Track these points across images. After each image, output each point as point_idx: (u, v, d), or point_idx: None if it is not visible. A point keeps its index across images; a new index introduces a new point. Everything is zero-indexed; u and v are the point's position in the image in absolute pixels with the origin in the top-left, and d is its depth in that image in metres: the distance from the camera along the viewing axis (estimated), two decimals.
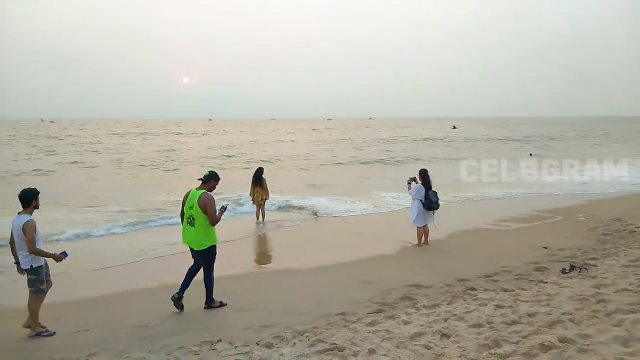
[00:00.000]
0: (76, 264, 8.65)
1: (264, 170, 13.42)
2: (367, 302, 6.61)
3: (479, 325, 5.37)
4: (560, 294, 6.35)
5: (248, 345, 5.22)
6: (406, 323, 5.62)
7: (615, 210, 13.25)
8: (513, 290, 6.71)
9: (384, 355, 4.75)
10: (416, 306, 6.25)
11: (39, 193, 6.01)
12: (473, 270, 8.01)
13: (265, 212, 13.12)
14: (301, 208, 14.62)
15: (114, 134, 66.43)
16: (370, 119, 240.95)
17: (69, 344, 5.63)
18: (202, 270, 6.72)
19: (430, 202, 9.84)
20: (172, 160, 31.82)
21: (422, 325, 5.48)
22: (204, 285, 6.68)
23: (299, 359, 4.81)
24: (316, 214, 13.91)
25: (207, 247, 6.58)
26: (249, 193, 13.24)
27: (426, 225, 10.07)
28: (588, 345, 4.60)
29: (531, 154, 34.19)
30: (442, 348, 4.86)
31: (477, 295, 6.55)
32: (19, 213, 5.89)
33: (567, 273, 7.45)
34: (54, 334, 5.92)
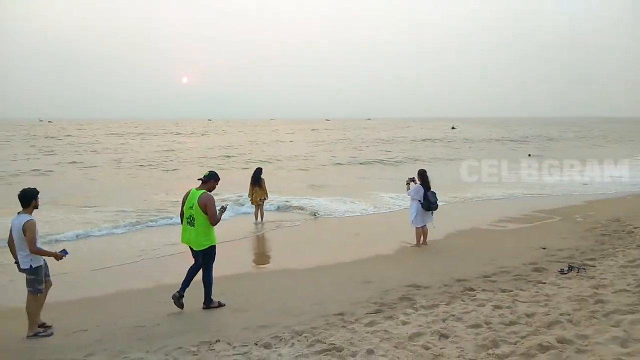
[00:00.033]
0: (75, 264, 8.64)
1: (263, 170, 13.43)
2: (366, 302, 6.61)
3: (477, 326, 5.37)
4: (558, 294, 6.36)
5: (246, 346, 5.21)
6: (404, 323, 5.62)
7: (613, 211, 13.27)
8: (511, 291, 6.72)
9: (382, 356, 4.75)
10: (414, 306, 6.26)
11: (38, 193, 6.01)
12: (471, 271, 8.02)
13: (264, 212, 13.12)
14: (300, 208, 14.62)
15: (112, 134, 66.37)
16: (369, 119, 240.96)
17: (66, 344, 5.63)
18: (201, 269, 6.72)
19: (428, 202, 9.85)
20: (171, 160, 31.81)
21: (420, 326, 5.47)
22: (202, 285, 6.69)
23: (297, 359, 4.81)
24: (315, 214, 13.91)
25: (206, 246, 6.59)
26: (247, 193, 13.25)
27: (425, 225, 10.08)
28: (586, 345, 4.60)
29: (529, 154, 34.24)
30: (440, 348, 4.86)
31: (475, 296, 6.56)
32: (19, 213, 5.89)
33: (565, 273, 7.46)
34: (51, 334, 5.92)
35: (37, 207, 6.01)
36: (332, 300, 6.76)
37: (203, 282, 6.68)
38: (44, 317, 6.07)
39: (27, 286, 5.89)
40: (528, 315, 5.58)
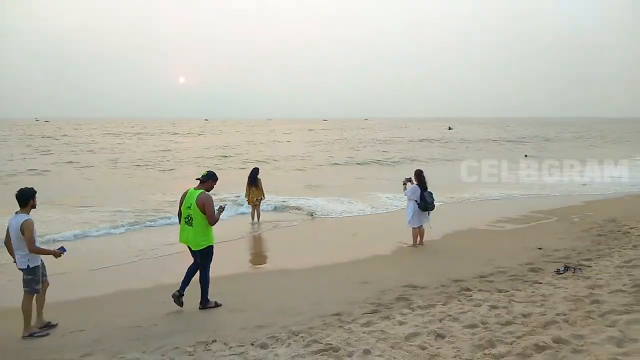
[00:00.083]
0: (73, 264, 8.64)
1: (259, 171, 13.41)
2: (362, 303, 6.61)
3: (473, 326, 5.38)
4: (554, 294, 6.38)
5: (243, 346, 5.21)
6: (401, 323, 5.63)
7: (610, 211, 13.31)
8: (507, 291, 6.74)
9: (379, 356, 4.75)
10: (411, 306, 6.26)
11: (35, 192, 6.00)
12: (468, 271, 8.03)
13: (261, 212, 13.12)
14: (297, 208, 14.61)
15: (109, 134, 66.21)
16: (366, 119, 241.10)
17: (63, 344, 5.62)
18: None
19: (425, 203, 9.86)
20: (168, 160, 31.74)
21: (416, 326, 5.48)
22: (199, 285, 6.68)
23: (294, 359, 4.81)
24: (312, 215, 13.91)
25: (204, 246, 6.59)
26: (244, 193, 13.25)
27: (421, 225, 10.09)
28: (582, 345, 4.62)
29: (526, 155, 34.32)
30: (437, 348, 4.87)
31: (471, 296, 6.57)
32: (16, 212, 5.89)
33: (562, 273, 7.49)
34: (48, 334, 5.91)
35: (34, 207, 6.01)
36: (329, 301, 6.77)
37: (200, 282, 6.68)
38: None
39: (24, 286, 5.89)
40: (524, 316, 5.59)
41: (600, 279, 6.94)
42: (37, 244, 5.92)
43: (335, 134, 70.09)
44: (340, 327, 5.66)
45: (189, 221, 6.53)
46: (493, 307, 5.96)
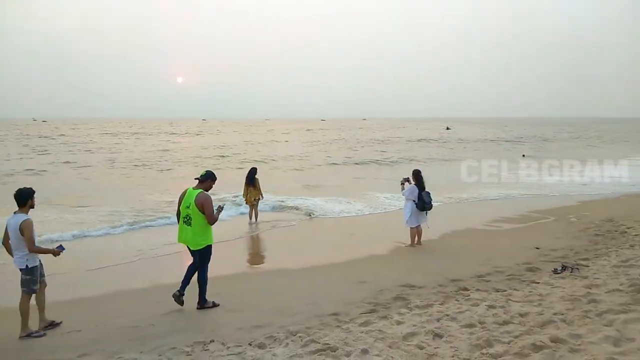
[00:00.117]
0: (71, 264, 8.62)
1: (257, 170, 13.40)
2: (360, 302, 6.61)
3: (471, 325, 5.39)
4: (551, 294, 6.39)
5: (240, 346, 5.21)
6: (399, 323, 5.63)
7: (607, 211, 13.35)
8: (505, 290, 6.75)
9: (377, 355, 4.75)
10: (409, 306, 6.27)
11: (34, 192, 6.00)
12: (465, 270, 8.04)
13: (259, 212, 13.11)
14: (295, 208, 14.61)
15: (106, 134, 66.10)
16: (364, 119, 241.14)
17: (60, 344, 5.61)
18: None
19: (423, 203, 9.87)
20: (166, 160, 31.70)
21: (414, 325, 5.49)
22: (196, 284, 6.67)
23: (292, 359, 4.80)
24: (310, 214, 13.90)
25: (203, 246, 6.58)
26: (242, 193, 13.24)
27: (419, 225, 10.10)
28: (579, 344, 4.63)
29: (524, 155, 34.40)
30: (435, 348, 4.87)
31: (469, 295, 6.58)
32: (15, 212, 5.88)
33: (559, 273, 7.50)
34: (45, 334, 5.90)
35: (33, 207, 6.00)
36: (326, 300, 6.77)
37: (198, 282, 6.68)
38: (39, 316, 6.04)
39: (22, 286, 5.88)
40: (522, 315, 5.60)
41: (598, 278, 6.95)
42: (37, 244, 5.92)
43: (333, 134, 70.12)
44: (338, 326, 5.67)
45: (187, 221, 6.52)
46: (490, 306, 5.97)
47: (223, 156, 34.75)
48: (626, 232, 10.53)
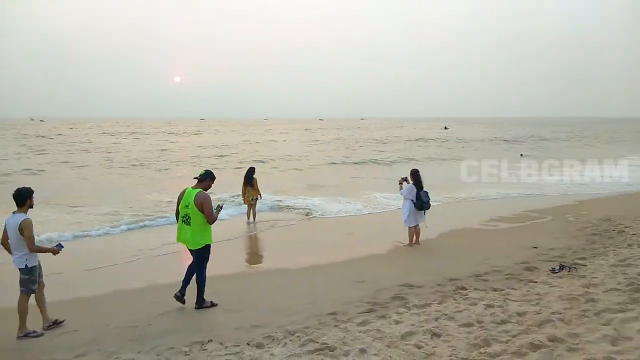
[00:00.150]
0: (70, 264, 8.61)
1: (255, 170, 13.39)
2: (358, 302, 6.62)
3: (469, 325, 5.40)
4: (549, 293, 6.40)
5: (238, 345, 5.20)
6: (397, 322, 5.64)
7: (605, 210, 13.38)
8: (503, 290, 6.76)
9: (375, 355, 4.76)
10: (407, 305, 6.28)
11: (33, 192, 6.00)
12: (463, 270, 8.05)
13: (257, 212, 13.09)
14: (294, 208, 14.62)
15: (104, 133, 66.00)
16: (362, 119, 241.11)
17: (57, 344, 5.60)
18: None
19: (421, 202, 9.87)
20: (164, 160, 31.67)
21: (412, 325, 5.49)
22: (195, 284, 6.67)
23: (290, 359, 4.80)
24: (309, 214, 13.90)
25: (202, 245, 6.58)
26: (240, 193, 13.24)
27: (417, 224, 10.10)
28: (577, 344, 4.64)
29: (522, 154, 34.45)
30: (433, 347, 4.88)
31: (467, 295, 6.59)
32: (14, 212, 5.87)
33: (557, 272, 7.51)
34: (42, 334, 5.88)
35: (32, 207, 6.00)
36: (325, 300, 6.77)
37: (196, 281, 6.67)
38: (37, 316, 6.03)
39: (21, 286, 5.87)
40: (519, 314, 5.61)
41: (595, 277, 6.97)
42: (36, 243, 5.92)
43: (331, 134, 70.11)
44: (336, 326, 5.67)
45: (186, 220, 6.51)
46: (488, 306, 5.98)
47: (221, 156, 34.73)
48: (624, 231, 10.56)
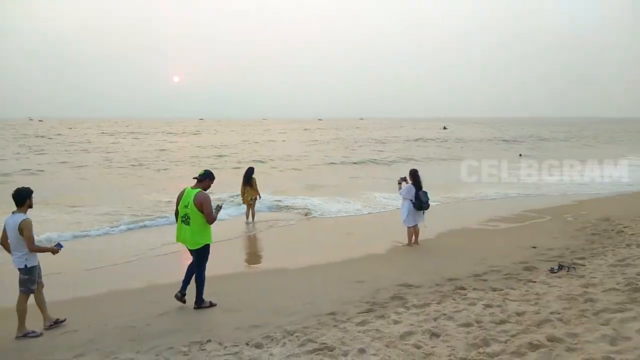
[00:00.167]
0: (69, 264, 8.60)
1: (255, 170, 13.39)
2: (357, 302, 6.62)
3: (468, 324, 5.40)
4: (548, 293, 6.40)
5: (237, 345, 5.20)
6: (396, 322, 5.64)
7: (603, 210, 13.39)
8: (502, 290, 6.76)
9: (374, 355, 4.76)
10: (406, 305, 6.28)
11: (32, 192, 6.00)
12: (462, 270, 8.06)
13: (256, 212, 13.10)
14: (293, 208, 14.62)
15: (103, 133, 65.96)
16: (361, 119, 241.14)
17: (56, 344, 5.59)
18: None
19: (420, 202, 9.88)
20: (163, 160, 31.65)
21: (411, 325, 5.49)
22: (194, 284, 6.67)
23: (289, 359, 4.80)
24: (308, 214, 13.90)
25: (202, 245, 6.58)
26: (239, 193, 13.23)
27: (416, 224, 10.11)
28: (576, 343, 4.64)
29: (520, 154, 34.48)
30: (432, 347, 4.88)
31: (466, 295, 6.59)
32: (13, 212, 5.87)
33: (556, 272, 7.52)
34: (41, 334, 5.88)
35: (31, 207, 6.00)
36: (324, 300, 6.77)
37: (195, 281, 6.67)
38: (36, 316, 6.02)
39: (20, 286, 5.87)
40: (518, 314, 5.61)
41: (594, 277, 6.97)
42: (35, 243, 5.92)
43: (330, 134, 70.12)
44: (335, 326, 5.67)
45: (186, 220, 6.51)
46: (487, 305, 5.98)
47: (220, 156, 34.72)
48: (623, 231, 10.57)
